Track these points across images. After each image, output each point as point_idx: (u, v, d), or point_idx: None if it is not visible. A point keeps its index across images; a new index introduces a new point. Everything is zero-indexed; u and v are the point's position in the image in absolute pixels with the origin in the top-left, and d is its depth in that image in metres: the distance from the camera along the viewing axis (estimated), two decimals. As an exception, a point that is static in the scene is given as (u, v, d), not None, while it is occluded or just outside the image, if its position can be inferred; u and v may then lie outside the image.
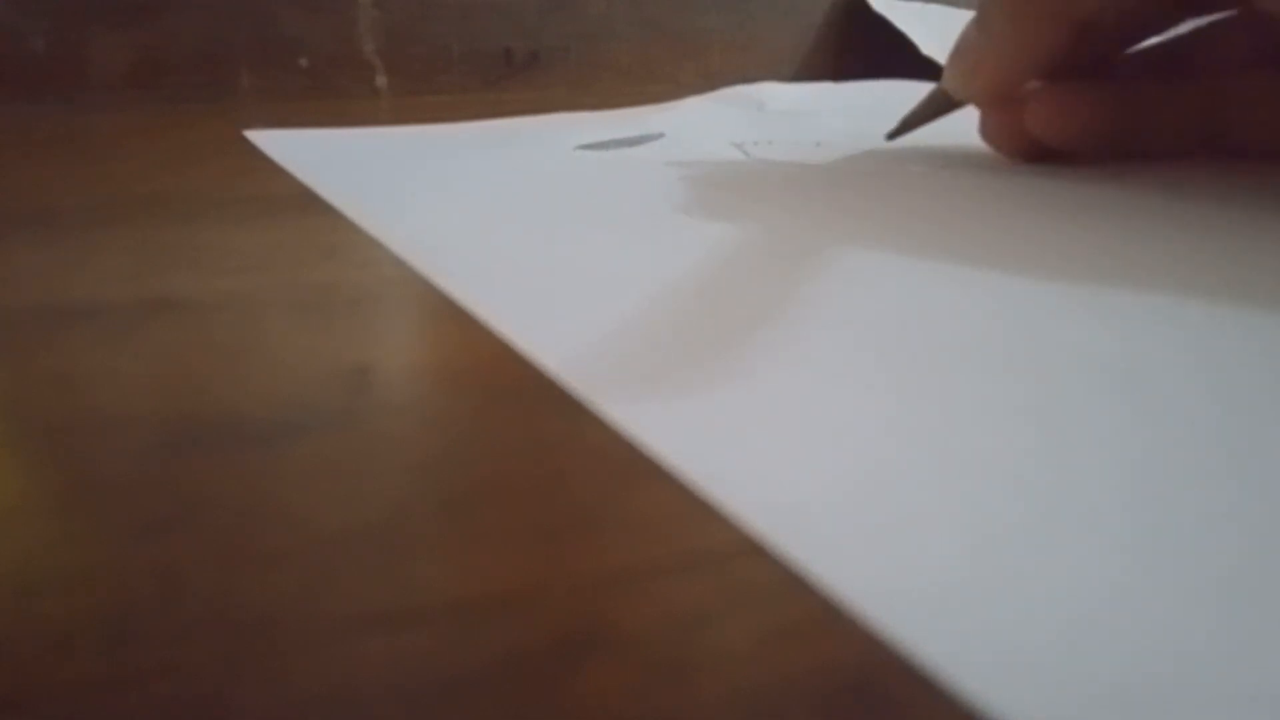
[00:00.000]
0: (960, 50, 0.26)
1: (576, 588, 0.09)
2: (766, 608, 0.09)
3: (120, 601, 0.09)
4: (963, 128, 0.28)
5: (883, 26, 0.51)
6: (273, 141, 0.33)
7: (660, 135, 0.33)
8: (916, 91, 0.29)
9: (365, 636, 0.08)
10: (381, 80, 0.48)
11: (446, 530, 0.10)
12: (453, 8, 0.49)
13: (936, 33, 0.47)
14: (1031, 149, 0.26)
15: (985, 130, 0.27)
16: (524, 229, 0.21)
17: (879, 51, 0.51)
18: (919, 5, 0.53)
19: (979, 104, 0.27)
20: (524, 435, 0.12)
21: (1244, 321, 0.15)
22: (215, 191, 0.27)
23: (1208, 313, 0.16)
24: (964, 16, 0.27)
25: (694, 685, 0.08)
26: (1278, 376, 0.13)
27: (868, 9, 0.53)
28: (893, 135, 0.29)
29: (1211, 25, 0.27)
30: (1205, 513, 0.10)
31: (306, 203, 0.25)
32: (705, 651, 0.08)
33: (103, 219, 0.24)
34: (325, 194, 0.25)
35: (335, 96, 0.47)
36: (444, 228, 0.22)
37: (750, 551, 0.10)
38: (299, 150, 0.31)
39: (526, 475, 0.11)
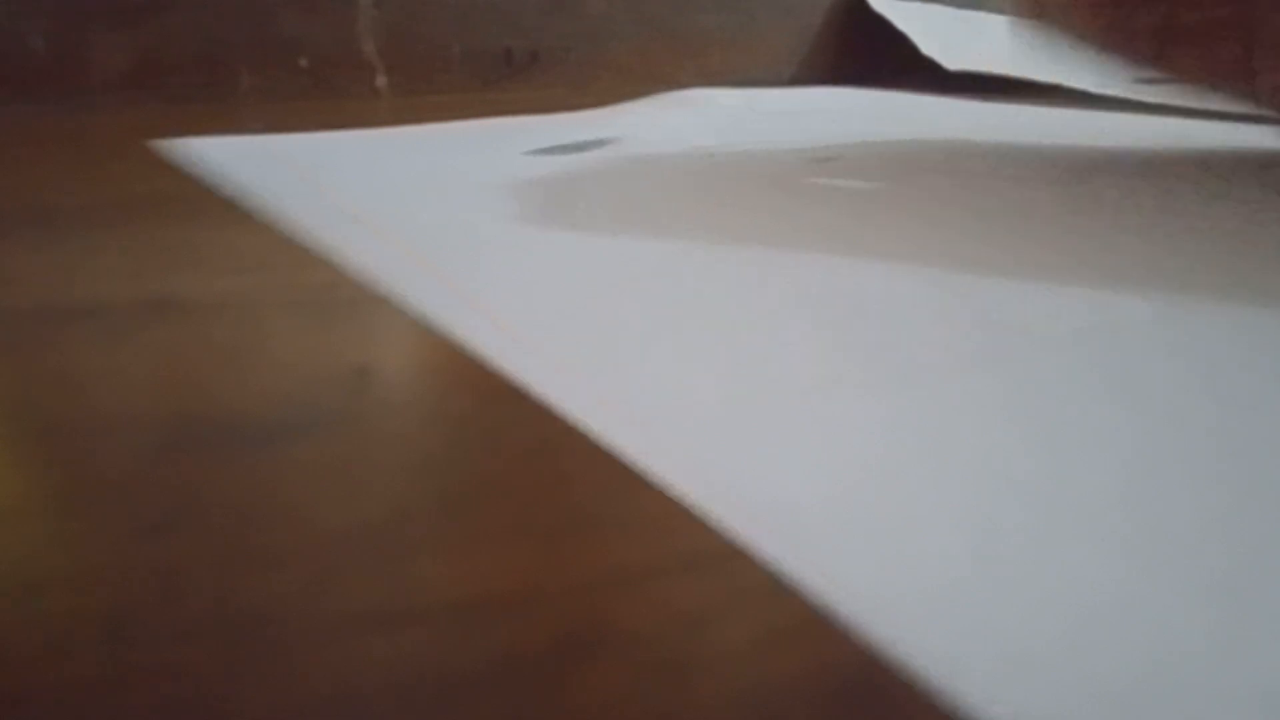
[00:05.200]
0: None
1: (576, 588, 0.09)
2: (766, 608, 0.09)
3: (120, 601, 0.09)
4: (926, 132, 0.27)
5: (883, 26, 0.51)
6: (195, 150, 0.31)
7: (612, 140, 0.32)
8: (862, 99, 0.28)
9: (365, 636, 0.08)
10: (381, 80, 0.48)
11: (446, 530, 0.10)
12: (453, 8, 0.49)
13: (936, 32, 0.47)
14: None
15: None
16: (481, 238, 0.21)
17: (879, 51, 0.51)
18: (919, 5, 0.53)
19: None
20: (524, 435, 0.12)
21: (1232, 317, 0.15)
22: (215, 191, 0.27)
23: (1192, 308, 0.16)
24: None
25: (694, 685, 0.08)
26: (1270, 374, 0.13)
27: (868, 9, 0.53)
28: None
29: None
30: (1199, 512, 0.10)
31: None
32: (705, 651, 0.08)
33: (103, 219, 0.24)
34: (254, 204, 0.24)
35: (335, 96, 0.47)
36: (380, 234, 0.21)
37: (750, 552, 0.10)
38: (226, 158, 0.29)
39: (526, 475, 0.11)
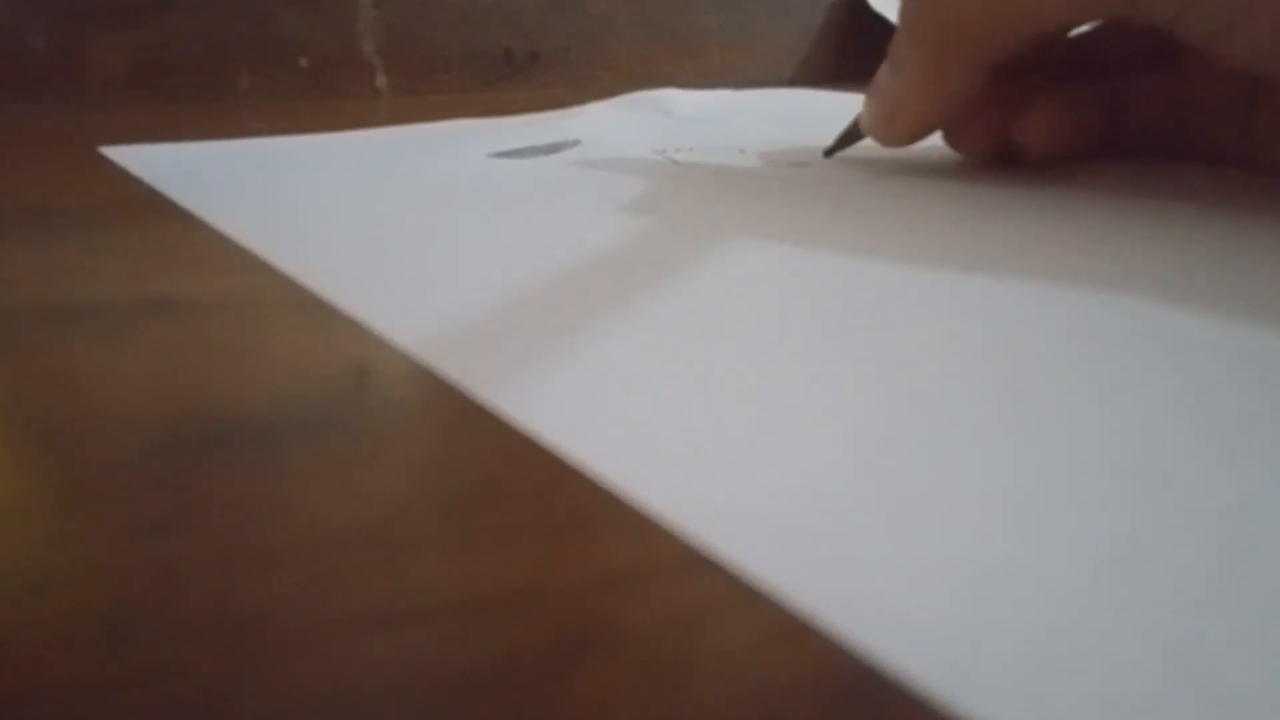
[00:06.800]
0: (875, 96, 0.26)
1: (576, 588, 0.09)
2: (765, 609, 0.09)
3: (120, 601, 0.09)
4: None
5: (883, 26, 0.51)
6: (135, 158, 0.30)
7: (576, 142, 0.32)
8: (818, 100, 0.28)
9: (365, 636, 0.08)
10: (381, 80, 0.48)
11: (446, 530, 0.10)
12: (453, 8, 0.49)
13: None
14: (1002, 153, 0.26)
15: (957, 141, 0.27)
16: (455, 247, 0.20)
17: (878, 51, 0.51)
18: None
19: (899, 147, 0.27)
20: (524, 436, 0.12)
21: (1214, 320, 0.15)
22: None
23: (1153, 307, 0.16)
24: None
25: (693, 686, 0.08)
26: (1254, 376, 0.13)
27: (868, 9, 0.53)
28: (829, 152, 0.29)
29: (1105, 29, 0.27)
30: (1176, 517, 0.10)
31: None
32: (704, 653, 0.08)
33: (103, 219, 0.24)
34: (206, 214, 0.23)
35: (335, 96, 0.47)
36: (330, 241, 0.21)
37: (744, 555, 0.10)
38: (176, 165, 0.28)
39: (526, 475, 0.11)
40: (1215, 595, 0.09)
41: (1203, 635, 0.08)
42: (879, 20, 0.52)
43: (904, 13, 0.25)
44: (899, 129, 0.26)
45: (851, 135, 0.28)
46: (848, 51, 0.56)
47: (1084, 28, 0.27)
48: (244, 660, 0.08)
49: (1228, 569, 0.09)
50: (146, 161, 0.29)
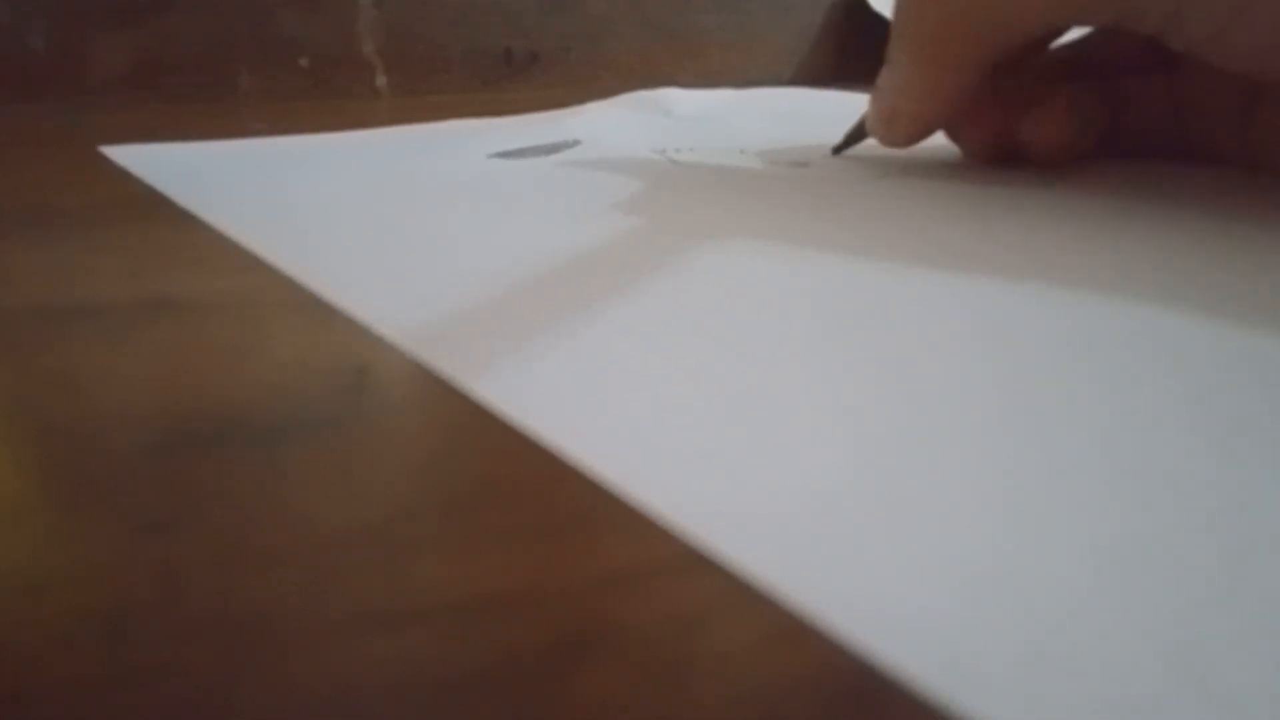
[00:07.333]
0: (876, 98, 0.26)
1: (576, 588, 0.09)
2: (765, 609, 0.09)
3: (120, 601, 0.09)
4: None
5: (883, 26, 0.51)
6: (135, 158, 0.30)
7: (576, 142, 0.32)
8: (818, 99, 0.28)
9: (365, 636, 0.08)
10: (381, 80, 0.48)
11: (446, 530, 0.10)
12: (453, 8, 0.49)
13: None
14: (1004, 151, 0.26)
15: (960, 139, 0.27)
16: (455, 247, 0.20)
17: (879, 51, 0.51)
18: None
19: (901, 148, 0.27)
20: (524, 436, 0.12)
21: (1214, 320, 0.15)
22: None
23: (1143, 305, 0.16)
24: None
25: (693, 686, 0.08)
26: (1253, 377, 0.13)
27: (868, 9, 0.53)
28: (838, 150, 0.29)
29: (1103, 33, 0.27)
30: (1176, 517, 0.10)
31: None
32: (704, 652, 0.08)
33: (103, 219, 0.24)
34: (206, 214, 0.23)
35: (335, 96, 0.47)
36: (330, 241, 0.21)
37: (745, 555, 0.10)
38: (176, 165, 0.28)
39: (526, 475, 0.11)
40: (1215, 595, 0.09)
41: (1203, 635, 0.08)
42: (879, 20, 0.52)
43: (895, 16, 0.25)
44: (898, 130, 0.26)
45: (859, 133, 0.29)
46: (848, 51, 0.56)
47: (1081, 30, 0.27)
48: (244, 660, 0.08)
49: (1228, 569, 0.09)
50: (146, 161, 0.29)
